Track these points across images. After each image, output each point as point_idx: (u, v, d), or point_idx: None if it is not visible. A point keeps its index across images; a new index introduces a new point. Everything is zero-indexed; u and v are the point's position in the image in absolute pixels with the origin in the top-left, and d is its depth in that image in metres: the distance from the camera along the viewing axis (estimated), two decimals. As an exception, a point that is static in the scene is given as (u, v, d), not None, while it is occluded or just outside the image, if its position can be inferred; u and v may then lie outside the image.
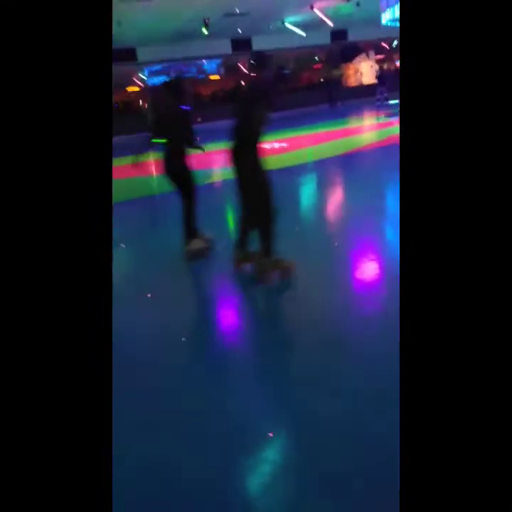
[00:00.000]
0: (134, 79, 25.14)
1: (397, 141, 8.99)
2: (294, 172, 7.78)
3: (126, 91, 26.15)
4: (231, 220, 5.42)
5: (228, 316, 3.12)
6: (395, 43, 26.03)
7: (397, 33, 19.01)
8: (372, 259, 3.70)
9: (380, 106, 17.73)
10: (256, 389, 2.25)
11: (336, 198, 6.18)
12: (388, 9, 12.83)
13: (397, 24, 13.10)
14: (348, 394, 2.10)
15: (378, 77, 19.21)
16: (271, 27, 17.86)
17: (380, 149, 9.08)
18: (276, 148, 10.35)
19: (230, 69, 25.14)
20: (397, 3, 12.18)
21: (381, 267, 3.55)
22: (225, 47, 19.50)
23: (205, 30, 15.21)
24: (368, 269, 3.52)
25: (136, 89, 26.01)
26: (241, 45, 19.47)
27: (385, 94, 18.39)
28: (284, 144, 10.86)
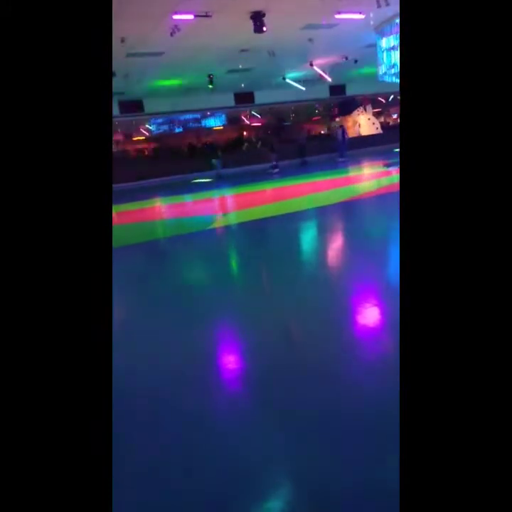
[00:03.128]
0: (141, 129, 26.10)
1: (394, 189, 9.12)
2: (293, 218, 7.92)
3: (132, 140, 27.09)
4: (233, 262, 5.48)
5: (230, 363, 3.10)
6: (391, 97, 27.08)
7: (393, 88, 19.69)
8: (373, 305, 3.71)
9: (271, 174, 16.04)
10: (255, 434, 2.21)
11: (335, 244, 6.26)
12: (381, 65, 13.49)
13: (393, 80, 13.72)
14: (348, 441, 2.07)
15: (271, 147, 17.17)
16: (273, 82, 18.69)
17: (378, 197, 9.26)
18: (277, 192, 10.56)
19: (232, 120, 26.12)
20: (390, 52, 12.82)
21: (381, 313, 3.56)
22: (229, 100, 20.33)
23: (210, 85, 15.94)
24: (368, 315, 3.53)
25: (142, 138, 26.94)
26: (244, 98, 20.36)
27: (274, 162, 16.81)
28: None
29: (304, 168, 16.56)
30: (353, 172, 14.65)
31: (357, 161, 17.21)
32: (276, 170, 16.55)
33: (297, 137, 19.80)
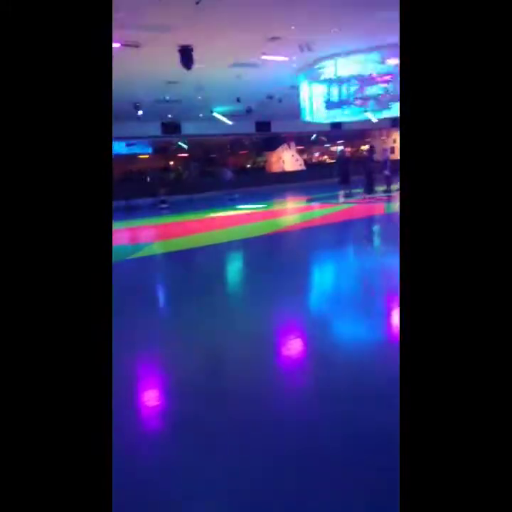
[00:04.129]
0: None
1: (317, 223, 9.48)
2: (220, 250, 7.91)
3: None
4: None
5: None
6: (314, 136, 28.52)
7: (315, 128, 20.67)
8: (295, 337, 3.74)
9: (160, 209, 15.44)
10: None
11: (260, 276, 6.30)
12: (304, 105, 14.25)
13: (315, 120, 14.48)
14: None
15: (161, 180, 15.95)
16: (200, 115, 18.95)
17: (304, 230, 9.56)
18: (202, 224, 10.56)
19: (158, 150, 26.01)
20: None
21: (305, 345, 3.59)
22: (156, 129, 20.26)
23: (139, 112, 15.82)
24: (291, 347, 3.55)
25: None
26: (171, 128, 20.44)
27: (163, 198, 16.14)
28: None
29: (232, 201, 16.75)
30: (277, 206, 15.07)
31: (282, 196, 17.75)
32: (165, 205, 15.73)
33: (224, 176, 18.61)
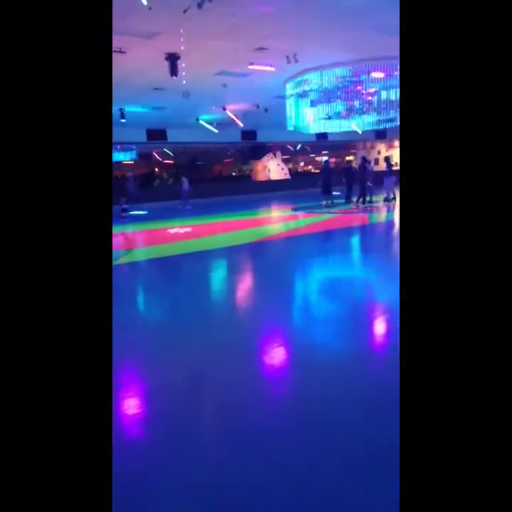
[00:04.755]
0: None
1: (302, 232, 9.52)
2: (202, 257, 7.88)
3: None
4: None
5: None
6: (299, 146, 28.79)
7: (301, 137, 20.84)
8: (279, 345, 3.73)
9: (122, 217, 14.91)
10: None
11: (243, 284, 6.29)
12: (290, 115, 14.38)
13: (300, 130, 14.61)
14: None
15: (122, 188, 15.40)
16: (186, 122, 18.96)
17: (287, 239, 9.59)
18: (182, 232, 10.53)
19: (143, 156, 25.93)
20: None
21: (288, 353, 3.58)
22: (141, 135, 20.21)
23: (122, 120, 15.74)
24: (275, 355, 3.53)
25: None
26: (156, 135, 20.38)
27: (124, 206, 15.65)
28: (188, 229, 11.08)
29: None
30: (263, 214, 15.11)
31: (267, 204, 17.81)
32: (125, 214, 15.37)
33: (181, 186, 17.88)
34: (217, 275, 6.95)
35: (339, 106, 13.54)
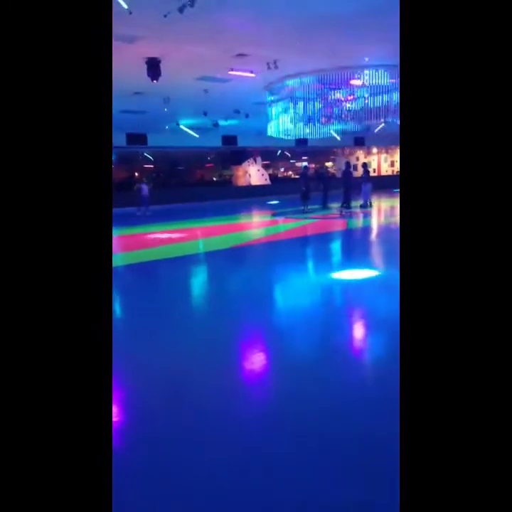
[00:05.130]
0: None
1: (283, 237, 9.54)
2: (184, 261, 7.85)
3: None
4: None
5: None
6: (279, 151, 28.94)
7: (281, 143, 20.90)
8: (259, 350, 3.73)
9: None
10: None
11: (226, 287, 6.28)
12: (270, 121, 14.47)
13: (280, 135, 14.70)
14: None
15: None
16: (167, 127, 18.90)
17: (270, 243, 9.62)
18: (165, 238, 10.47)
19: (123, 160, 25.72)
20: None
21: (268, 358, 3.59)
22: (121, 139, 20.01)
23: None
24: (255, 361, 3.54)
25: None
26: (136, 139, 20.22)
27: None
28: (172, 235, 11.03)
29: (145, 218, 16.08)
30: (244, 219, 15.12)
31: (248, 209, 17.83)
32: None
33: (140, 191, 16.98)
34: (193, 281, 6.93)
35: (318, 112, 13.69)
